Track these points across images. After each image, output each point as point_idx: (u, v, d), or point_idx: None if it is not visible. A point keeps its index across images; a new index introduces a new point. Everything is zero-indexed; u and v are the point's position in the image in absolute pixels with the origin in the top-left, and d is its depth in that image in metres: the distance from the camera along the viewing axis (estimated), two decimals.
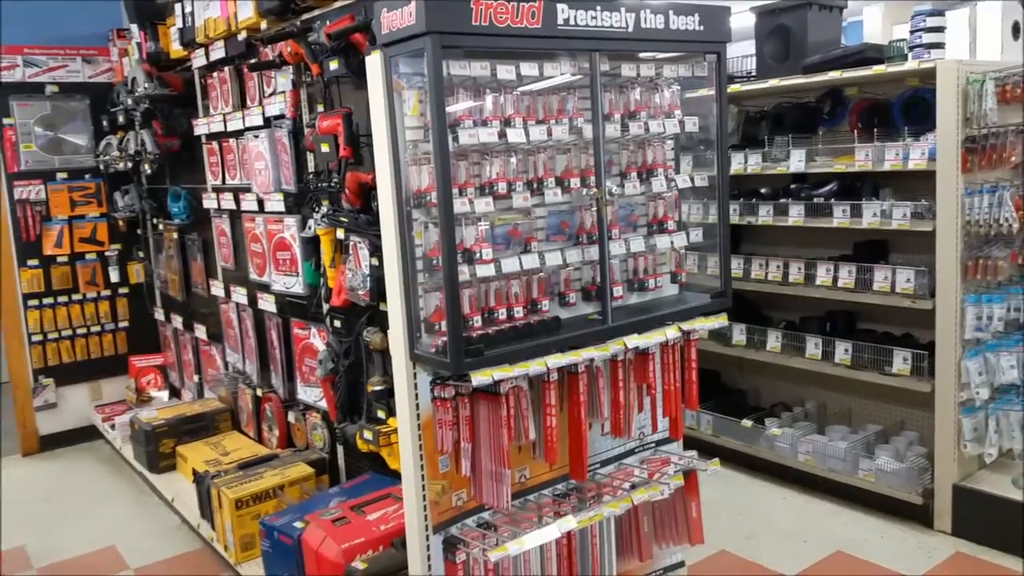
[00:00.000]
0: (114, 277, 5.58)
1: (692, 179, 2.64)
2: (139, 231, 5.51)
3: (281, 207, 3.70)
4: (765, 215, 4.20)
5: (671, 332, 2.56)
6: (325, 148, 3.10)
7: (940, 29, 3.71)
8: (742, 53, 4.54)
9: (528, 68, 2.24)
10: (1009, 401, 3.67)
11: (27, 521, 4.37)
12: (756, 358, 4.44)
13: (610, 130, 2.45)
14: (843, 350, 3.99)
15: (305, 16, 3.37)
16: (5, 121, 5.20)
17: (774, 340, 4.31)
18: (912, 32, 3.74)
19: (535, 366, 2.22)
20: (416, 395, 2.28)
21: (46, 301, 5.39)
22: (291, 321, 3.91)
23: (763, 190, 4.33)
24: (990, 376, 3.63)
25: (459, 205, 2.13)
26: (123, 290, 5.66)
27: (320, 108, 3.37)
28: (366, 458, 3.45)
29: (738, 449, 4.47)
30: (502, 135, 2.23)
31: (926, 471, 3.81)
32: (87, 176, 5.47)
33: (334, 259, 3.35)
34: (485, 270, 2.21)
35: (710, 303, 2.72)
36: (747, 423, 4.44)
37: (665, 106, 2.62)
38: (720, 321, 2.72)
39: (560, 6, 2.17)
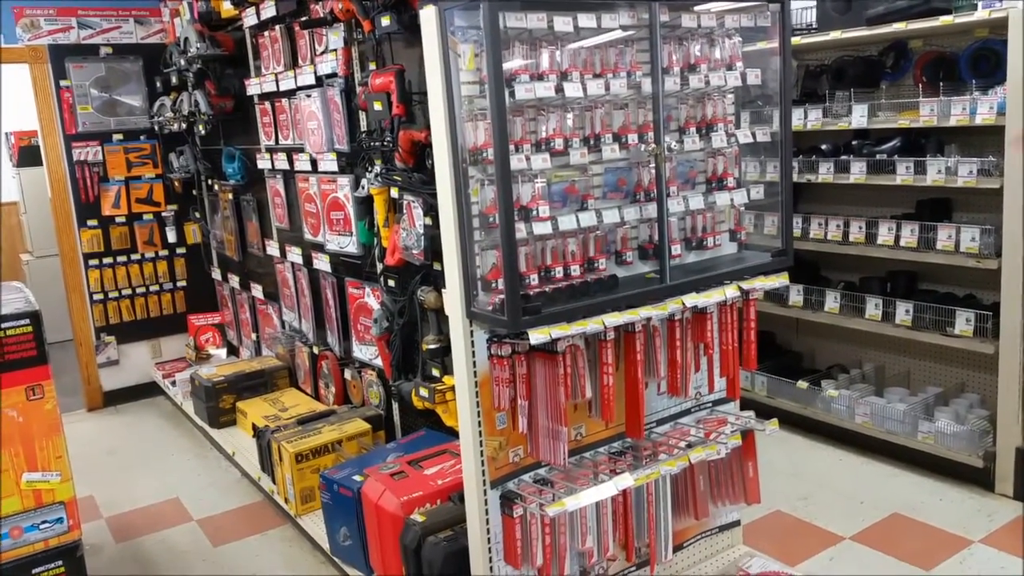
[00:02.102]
0: (171, 237, 5.70)
1: (754, 135, 2.57)
2: (194, 192, 5.60)
3: (334, 167, 3.71)
4: (826, 172, 4.08)
5: (730, 291, 2.51)
6: (378, 106, 3.09)
7: None
8: (802, 5, 4.37)
9: (586, 19, 2.18)
10: None
11: (94, 473, 4.55)
12: (813, 319, 4.37)
13: (669, 84, 2.39)
14: (904, 311, 3.89)
15: None
16: (62, 83, 5.30)
17: (832, 301, 4.23)
18: None
19: (592, 324, 2.21)
20: (473, 353, 2.29)
21: (106, 261, 5.54)
22: (345, 280, 3.96)
23: (823, 147, 4.20)
24: None
25: (515, 162, 2.11)
26: (180, 250, 5.79)
27: (372, 66, 3.35)
28: (421, 415, 3.50)
29: (793, 411, 4.42)
30: (559, 90, 2.19)
31: (988, 434, 3.72)
32: (142, 137, 5.57)
33: (388, 219, 3.37)
34: (542, 228, 2.19)
35: (771, 262, 2.66)
36: (803, 384, 4.38)
37: (726, 58, 2.54)
38: (781, 280, 2.66)
39: None
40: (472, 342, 2.28)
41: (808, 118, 4.12)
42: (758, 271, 2.62)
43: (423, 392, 3.09)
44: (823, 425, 4.30)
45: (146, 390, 5.78)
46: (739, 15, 2.49)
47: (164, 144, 5.58)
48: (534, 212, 2.18)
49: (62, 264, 5.50)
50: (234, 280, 5.42)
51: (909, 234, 3.80)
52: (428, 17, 2.13)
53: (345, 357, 4.14)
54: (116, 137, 5.50)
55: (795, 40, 4.14)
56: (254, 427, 4.13)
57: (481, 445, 2.36)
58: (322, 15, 3.46)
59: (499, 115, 1.99)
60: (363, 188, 3.43)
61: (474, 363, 2.30)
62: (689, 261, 2.68)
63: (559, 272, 2.31)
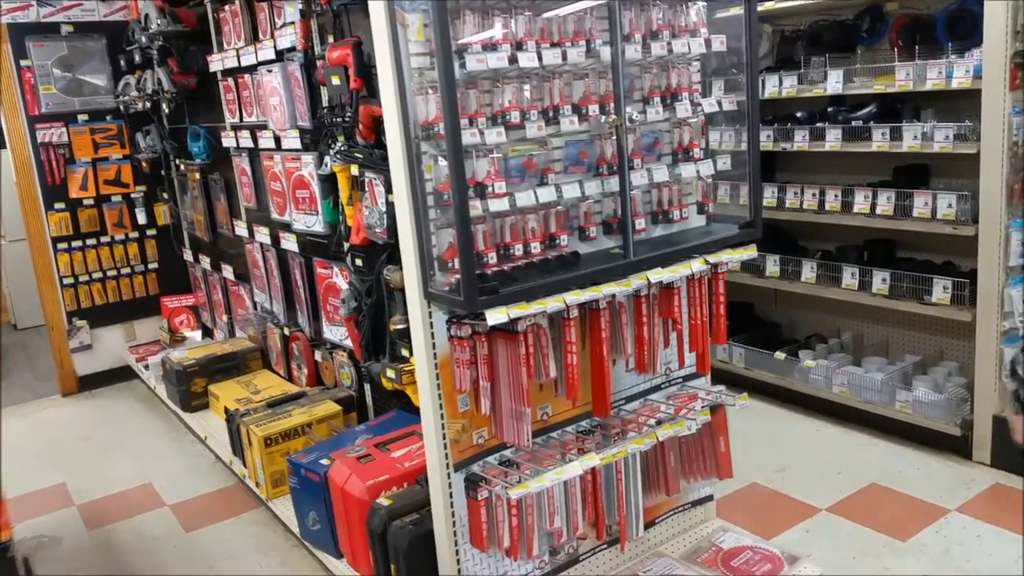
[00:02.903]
0: (141, 219, 5.60)
1: (720, 103, 2.49)
2: (163, 172, 5.48)
3: (298, 144, 3.61)
4: (801, 140, 4.01)
5: (696, 265, 2.46)
6: (336, 81, 2.99)
7: None
8: None
9: None
10: None
11: (67, 459, 4.49)
12: (790, 289, 4.32)
13: (630, 52, 2.31)
14: (881, 279, 3.85)
15: None
16: (22, 63, 5.15)
17: (809, 271, 4.18)
18: None
19: (553, 303, 2.15)
20: (432, 334, 2.23)
21: (75, 244, 5.43)
22: (313, 260, 3.88)
23: (799, 114, 4.13)
24: None
25: (468, 136, 2.03)
26: (151, 232, 5.68)
27: (332, 39, 3.25)
28: (393, 396, 3.44)
29: (771, 382, 4.40)
30: (513, 60, 2.11)
31: (965, 402, 3.70)
32: (108, 117, 5.43)
33: (352, 196, 3.28)
34: (498, 204, 2.12)
35: (739, 234, 2.60)
36: (780, 355, 4.35)
37: (690, 25, 2.46)
38: (749, 252, 2.60)
39: None
40: (431, 323, 2.22)
41: (783, 85, 4.04)
42: (726, 244, 2.56)
43: (390, 373, 3.02)
44: (801, 396, 4.28)
45: (121, 374, 5.71)
46: None
47: (131, 124, 5.45)
48: (490, 188, 2.11)
49: (30, 249, 5.39)
50: (205, 261, 5.33)
51: (885, 202, 3.74)
52: None
53: (316, 338, 4.07)
54: (81, 118, 5.36)
55: (769, 5, 4.05)
56: (226, 410, 4.07)
57: (443, 428, 2.31)
58: None
59: (448, 87, 1.91)
60: (326, 166, 3.34)
61: (434, 344, 2.24)
62: (656, 235, 2.62)
63: (518, 250, 2.25)
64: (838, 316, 4.48)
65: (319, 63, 3.31)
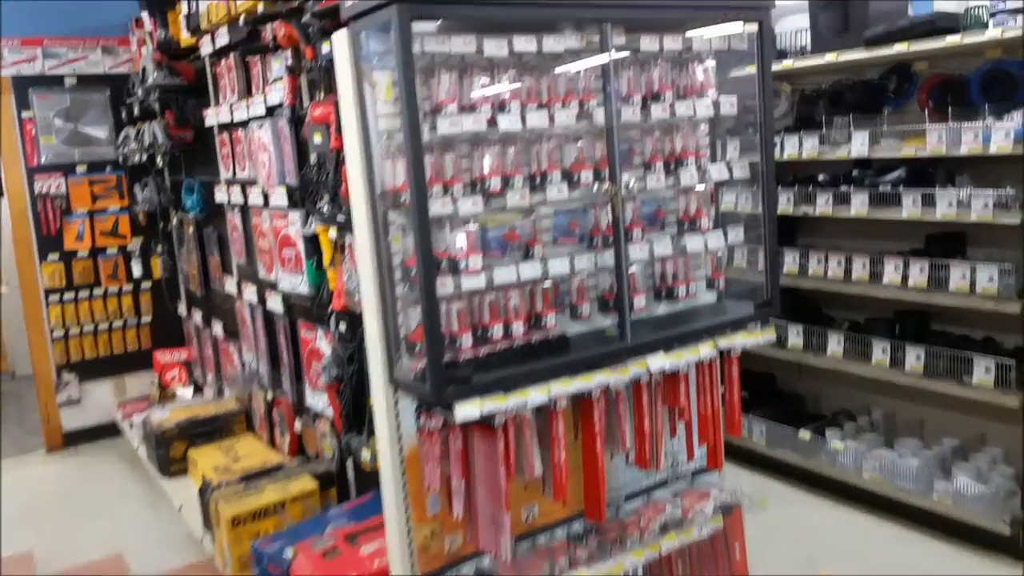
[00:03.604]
0: (137, 271, 5.44)
1: (730, 169, 2.24)
2: (160, 224, 5.34)
3: (285, 201, 3.42)
4: (823, 205, 3.74)
5: (704, 350, 2.17)
6: (318, 138, 2.79)
7: None
8: (795, 27, 4.07)
9: (524, 43, 1.87)
10: None
11: (40, 522, 4.27)
12: (815, 363, 4.00)
13: (628, 114, 2.07)
14: (915, 356, 3.52)
15: None
16: (24, 114, 5.06)
17: (835, 343, 3.86)
18: None
19: (535, 394, 1.87)
20: (399, 425, 1.96)
21: (67, 296, 5.27)
22: (298, 322, 3.65)
23: (821, 177, 3.86)
24: None
25: (439, 205, 1.79)
26: (146, 284, 5.51)
27: (320, 95, 3.06)
28: (375, 474, 3.16)
29: (795, 463, 4.05)
30: (493, 122, 1.87)
31: (1014, 495, 3.33)
32: (108, 169, 5.32)
33: (334, 258, 3.06)
34: (473, 281, 1.86)
35: (753, 314, 2.32)
36: (805, 434, 4.01)
37: (696, 85, 2.22)
38: (767, 335, 2.32)
39: None
40: (397, 412, 1.95)
41: (804, 146, 3.79)
42: (738, 325, 2.28)
43: (366, 454, 2.76)
44: (828, 480, 3.92)
45: (109, 430, 5.48)
46: (710, 36, 2.17)
47: (130, 176, 5.32)
48: (463, 264, 1.86)
49: (22, 299, 5.24)
50: (198, 316, 5.13)
51: (918, 273, 3.44)
52: (340, 42, 1.83)
53: (299, 404, 3.82)
54: (80, 169, 5.25)
55: (787, 64, 3.83)
56: (203, 479, 3.81)
57: (409, 534, 2.02)
58: (267, 42, 3.18)
59: (414, 151, 1.68)
60: (310, 225, 3.13)
61: (400, 436, 1.97)
62: (659, 313, 2.35)
63: (498, 331, 1.98)
64: (868, 391, 4.13)
65: (307, 120, 3.13)
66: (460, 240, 1.86)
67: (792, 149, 3.87)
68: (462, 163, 1.96)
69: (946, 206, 3.26)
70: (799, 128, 3.97)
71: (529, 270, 1.98)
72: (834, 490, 3.92)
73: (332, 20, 2.69)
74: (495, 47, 1.84)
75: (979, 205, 3.15)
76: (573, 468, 2.13)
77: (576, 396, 2.05)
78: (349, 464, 3.46)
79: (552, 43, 1.92)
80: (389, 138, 1.86)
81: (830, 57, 3.65)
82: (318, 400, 3.59)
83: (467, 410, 1.75)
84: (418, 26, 1.72)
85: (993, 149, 3.07)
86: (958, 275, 3.28)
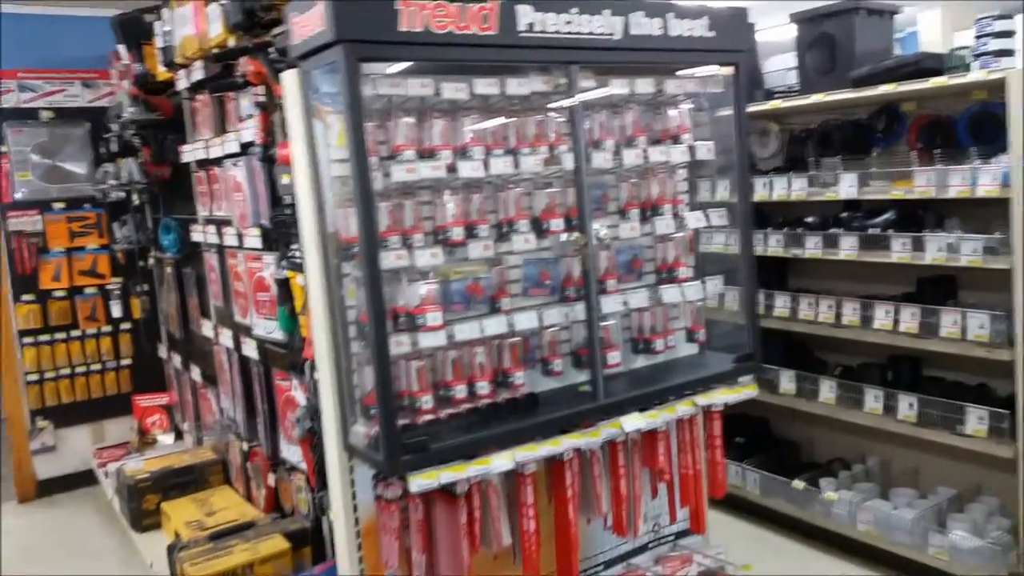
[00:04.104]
0: (116, 312, 5.30)
1: (707, 216, 2.14)
2: (140, 264, 5.22)
3: (259, 243, 3.31)
4: (813, 247, 3.64)
5: (683, 408, 2.06)
6: (286, 179, 2.68)
7: (1010, 34, 3.14)
8: (783, 66, 4.02)
9: (485, 85, 1.78)
10: None
11: None
12: (808, 409, 3.88)
13: (599, 160, 1.98)
14: (907, 405, 3.40)
15: (276, 30, 2.99)
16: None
17: (828, 390, 3.74)
18: (977, 38, 3.17)
19: (499, 461, 1.75)
20: (354, 495, 1.83)
21: (43, 338, 5.12)
22: (272, 370, 3.52)
23: (810, 219, 3.77)
24: None
25: (394, 257, 1.69)
26: (126, 325, 5.37)
27: None
28: None
29: (789, 513, 3.91)
30: (453, 169, 1.78)
31: (1011, 550, 3.19)
32: (87, 206, 5.20)
33: (305, 305, 2.95)
34: (432, 339, 1.75)
35: (735, 368, 2.20)
36: (799, 484, 3.87)
37: (672, 129, 2.13)
38: (748, 391, 2.20)
39: (522, 8, 1.72)
40: (352, 481, 1.83)
41: (793, 187, 3.70)
42: (719, 380, 2.16)
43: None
44: (822, 531, 3.77)
45: (85, 479, 5.29)
46: (683, 80, 2.08)
47: (110, 213, 5.22)
48: (421, 320, 1.75)
49: None
50: (177, 359, 5.00)
51: (909, 318, 3.33)
52: (290, 81, 1.74)
53: (274, 456, 3.67)
54: (58, 205, 5.14)
55: (775, 103, 3.77)
56: (175, 535, 3.65)
57: None
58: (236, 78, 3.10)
59: (364, 200, 1.57)
60: (281, 270, 3.02)
61: (355, 507, 1.84)
62: (637, 366, 2.24)
63: (460, 391, 1.86)
64: (863, 438, 3.99)
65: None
66: (418, 294, 1.75)
67: (782, 190, 3.79)
68: (423, 211, 1.86)
69: (935, 250, 3.16)
70: (789, 168, 3.89)
71: (494, 325, 1.87)
72: (829, 541, 3.77)
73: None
74: (455, 90, 1.75)
75: (968, 250, 3.06)
76: (546, 535, 2.00)
77: (548, 458, 1.93)
78: (325, 522, 3.31)
79: (516, 86, 1.83)
80: (343, 184, 1.76)
81: (817, 97, 3.59)
82: (293, 453, 3.45)
83: (422, 481, 1.63)
84: (371, 67, 1.63)
85: (980, 192, 2.99)
86: (949, 321, 3.17)
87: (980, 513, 3.43)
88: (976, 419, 3.18)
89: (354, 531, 1.84)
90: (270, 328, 3.40)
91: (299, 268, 2.79)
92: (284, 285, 3.18)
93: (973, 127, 3.31)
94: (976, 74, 3.12)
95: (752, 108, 3.90)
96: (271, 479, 3.60)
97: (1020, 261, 2.93)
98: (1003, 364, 3.11)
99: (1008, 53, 3.21)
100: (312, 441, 3.04)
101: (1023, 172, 2.85)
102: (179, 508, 3.96)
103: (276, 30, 2.95)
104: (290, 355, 3.25)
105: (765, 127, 4.18)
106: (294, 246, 2.90)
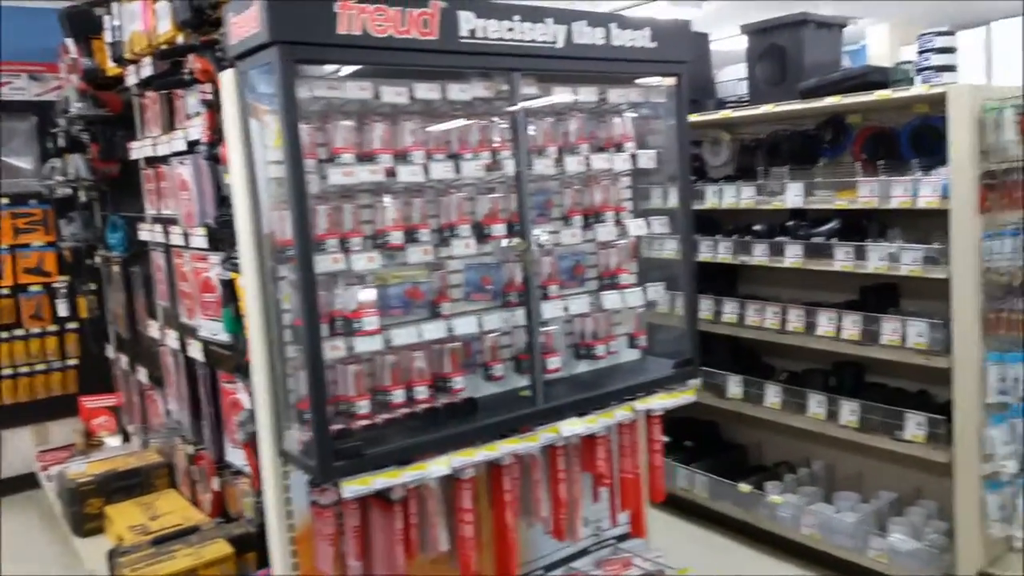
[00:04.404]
0: (62, 311, 5.17)
1: (648, 224, 2.16)
2: (87, 262, 5.11)
3: (205, 243, 3.26)
4: (760, 255, 3.70)
5: (621, 413, 2.08)
6: (228, 179, 2.66)
7: (951, 50, 3.23)
8: (735, 76, 4.08)
9: (426, 90, 1.77)
10: None
11: None
12: (754, 414, 3.94)
13: (542, 166, 1.99)
14: (849, 411, 3.47)
15: (224, 28, 2.95)
16: None
17: (773, 396, 3.80)
18: (920, 53, 3.25)
19: (435, 466, 1.75)
20: (288, 500, 1.81)
21: None
22: (218, 372, 3.47)
23: (758, 227, 3.83)
24: (1018, 446, 3.11)
25: (330, 261, 1.67)
26: (72, 325, 5.25)
27: None
28: None
29: (736, 516, 3.96)
30: (392, 173, 1.77)
31: (946, 552, 3.27)
32: (32, 202, 5.08)
33: None
34: (369, 343, 1.74)
35: (674, 374, 2.23)
36: (745, 488, 3.93)
37: (615, 137, 2.15)
38: (687, 396, 2.24)
39: (464, 14, 1.72)
40: (287, 487, 1.81)
41: (742, 195, 3.76)
42: (659, 386, 2.19)
43: None
44: (768, 534, 3.83)
45: (29, 482, 5.16)
46: (627, 89, 2.11)
47: (57, 209, 5.09)
48: (357, 324, 1.74)
49: None
50: (124, 360, 4.90)
51: (851, 325, 3.40)
52: (227, 81, 1.72)
53: (219, 460, 3.62)
54: (2, 201, 5.01)
55: (726, 113, 3.83)
56: (119, 540, 3.57)
57: None
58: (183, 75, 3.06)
59: (298, 203, 1.56)
60: (226, 270, 2.98)
61: (290, 513, 1.82)
62: (579, 371, 2.25)
63: (398, 396, 1.86)
64: (808, 442, 4.06)
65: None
66: (355, 298, 1.74)
67: (731, 198, 3.84)
68: (362, 214, 1.85)
69: (877, 259, 3.23)
70: (739, 177, 3.95)
71: (434, 330, 1.87)
72: (774, 544, 3.83)
73: None
74: (395, 94, 1.75)
75: (908, 259, 3.13)
76: (486, 540, 2.00)
77: (487, 462, 1.93)
78: None
79: (458, 92, 1.83)
80: (279, 186, 1.74)
81: (767, 108, 3.64)
82: (239, 457, 3.40)
83: (355, 488, 1.62)
84: (310, 68, 1.62)
85: (921, 203, 3.07)
86: (889, 329, 3.24)
87: (919, 516, 3.51)
88: (915, 425, 3.26)
89: (288, 537, 1.82)
90: (215, 330, 3.35)
91: (235, 269, 2.76)
92: (229, 286, 3.14)
93: (915, 140, 3.39)
94: (918, 88, 3.19)
95: (704, 117, 3.95)
96: (216, 483, 3.54)
97: (958, 271, 3.00)
98: (942, 371, 3.19)
99: (950, 68, 3.29)
100: (257, 445, 3.02)
101: (971, 183, 2.92)
102: (123, 512, 3.88)
103: (224, 28, 2.93)
104: (235, 357, 3.20)
105: (717, 136, 4.24)
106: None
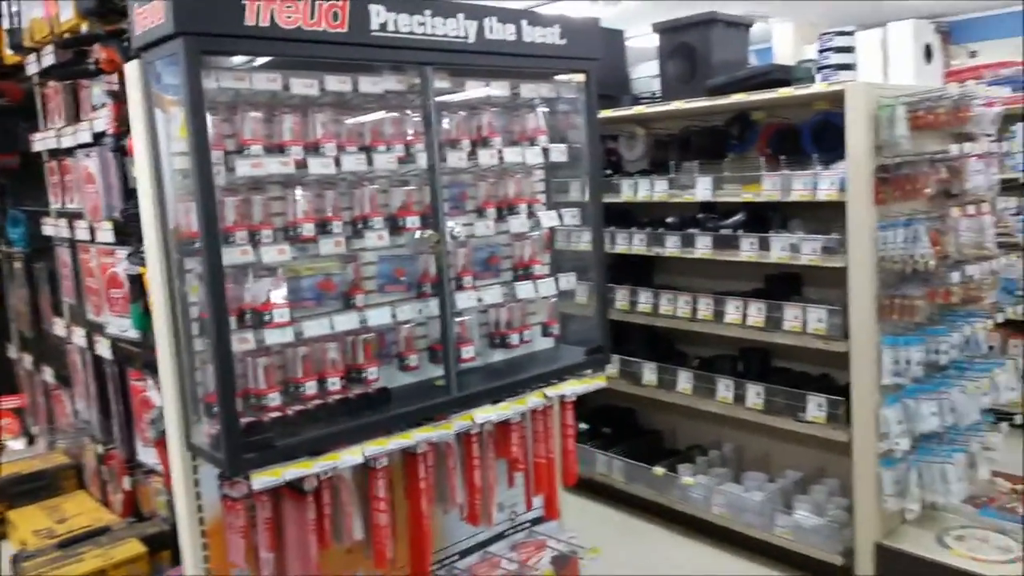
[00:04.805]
0: None
1: (560, 216, 2.22)
2: None
3: (111, 237, 3.17)
4: (672, 246, 3.83)
5: (533, 399, 2.13)
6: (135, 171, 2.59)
7: (850, 49, 3.40)
8: (649, 73, 4.20)
9: (337, 82, 1.78)
10: (931, 451, 3.35)
11: None
12: (668, 399, 4.07)
13: (454, 159, 2.02)
14: (755, 394, 3.63)
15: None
16: None
17: (685, 381, 3.94)
18: (820, 52, 3.41)
19: (348, 456, 1.77)
20: (198, 494, 1.80)
21: None
22: (127, 370, 3.38)
23: (670, 219, 3.96)
24: (911, 424, 3.30)
25: (239, 253, 1.67)
26: None
27: None
28: None
29: (651, 499, 4.08)
30: (303, 164, 1.77)
31: (846, 527, 3.46)
32: None
33: None
34: (279, 335, 1.74)
35: (585, 361, 2.30)
36: (659, 471, 4.05)
37: (528, 131, 2.20)
38: (597, 383, 2.31)
39: (375, 7, 1.73)
40: (196, 480, 1.80)
41: (655, 188, 3.88)
42: (570, 372, 2.25)
43: None
44: (681, 515, 3.97)
45: None
46: (538, 84, 2.16)
47: None
48: (268, 316, 1.74)
49: None
50: (28, 359, 4.70)
51: (756, 312, 3.56)
52: (131, 72, 1.69)
53: (130, 459, 3.53)
54: None
55: (639, 109, 3.94)
56: (22, 545, 3.44)
57: None
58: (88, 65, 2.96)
59: (204, 194, 1.55)
60: (134, 264, 2.91)
61: (200, 507, 1.81)
62: (494, 360, 2.30)
63: (311, 388, 1.86)
64: (719, 426, 4.22)
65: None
66: (264, 290, 1.74)
67: (646, 191, 3.95)
68: (273, 207, 1.84)
69: (779, 250, 3.39)
70: (653, 171, 4.07)
71: (346, 321, 1.88)
72: (688, 525, 3.97)
73: None
74: (304, 86, 1.75)
75: (808, 249, 3.29)
76: (403, 527, 2.03)
77: (403, 451, 1.96)
78: None
79: (370, 84, 1.85)
80: (184, 177, 1.72)
81: (677, 104, 3.76)
82: (150, 455, 3.33)
83: (265, 479, 1.62)
84: (216, 59, 1.61)
85: (820, 196, 3.23)
86: (791, 316, 3.40)
87: (821, 494, 3.70)
88: (815, 406, 3.43)
89: (199, 531, 1.81)
90: (124, 326, 3.26)
91: (143, 263, 2.70)
92: (137, 281, 3.07)
93: (816, 135, 3.55)
94: (818, 86, 3.35)
95: (620, 113, 4.05)
96: (128, 482, 3.46)
97: (854, 260, 3.17)
98: (840, 355, 3.36)
99: (848, 67, 3.46)
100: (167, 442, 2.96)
101: (867, 177, 3.08)
102: (27, 516, 3.75)
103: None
104: (144, 354, 3.13)
105: (632, 131, 4.35)
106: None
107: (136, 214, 2.87)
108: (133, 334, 3.17)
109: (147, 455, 3.37)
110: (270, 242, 1.75)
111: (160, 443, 2.96)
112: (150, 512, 3.45)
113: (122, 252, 3.15)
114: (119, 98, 2.99)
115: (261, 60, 1.79)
